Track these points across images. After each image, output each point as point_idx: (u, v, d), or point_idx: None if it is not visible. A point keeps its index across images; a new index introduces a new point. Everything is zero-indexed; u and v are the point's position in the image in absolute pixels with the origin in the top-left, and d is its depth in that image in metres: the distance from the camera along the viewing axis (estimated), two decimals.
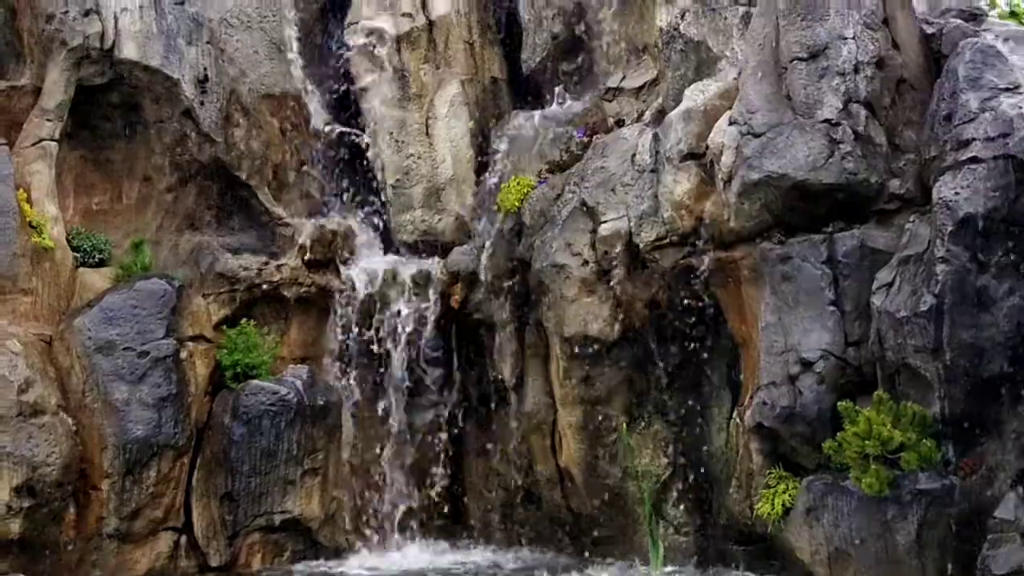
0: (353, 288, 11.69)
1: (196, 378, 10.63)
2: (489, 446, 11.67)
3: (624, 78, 11.66)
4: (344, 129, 12.37)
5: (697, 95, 10.36)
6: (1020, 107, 8.87)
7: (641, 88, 11.50)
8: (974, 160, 8.79)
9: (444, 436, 11.79)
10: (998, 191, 8.63)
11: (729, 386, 10.28)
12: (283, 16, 12.14)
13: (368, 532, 11.49)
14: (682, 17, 10.93)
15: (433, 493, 11.75)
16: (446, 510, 11.82)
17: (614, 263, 10.42)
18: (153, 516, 10.25)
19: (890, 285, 9.06)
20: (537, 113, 12.06)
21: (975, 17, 10.36)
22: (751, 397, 9.60)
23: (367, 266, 11.85)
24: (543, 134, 11.77)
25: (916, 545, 8.62)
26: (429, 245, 12.24)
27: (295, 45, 12.25)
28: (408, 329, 11.63)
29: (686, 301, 10.22)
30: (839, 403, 9.03)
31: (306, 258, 11.51)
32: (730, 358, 10.27)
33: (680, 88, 10.74)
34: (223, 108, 11.30)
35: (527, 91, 12.81)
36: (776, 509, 9.24)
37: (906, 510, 8.64)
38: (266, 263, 11.32)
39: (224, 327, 10.99)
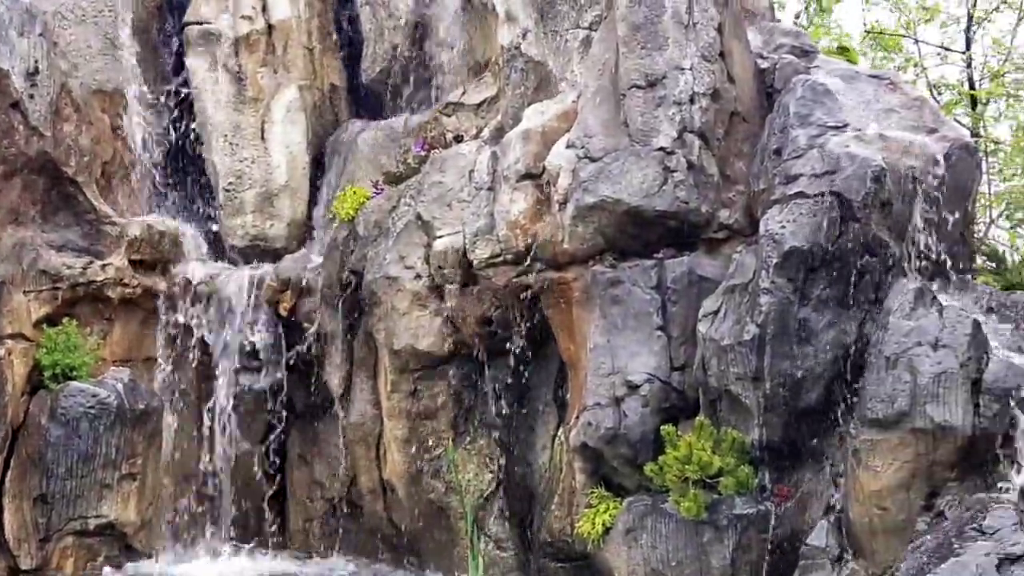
0: (180, 291, 11.49)
1: (13, 377, 10.31)
2: (314, 456, 11.57)
3: (464, 93, 11.69)
4: (177, 129, 12.17)
5: (536, 115, 10.45)
6: (847, 145, 9.14)
7: (481, 104, 11.54)
8: (801, 195, 9.03)
9: (268, 444, 11.66)
10: (822, 227, 8.88)
11: (556, 405, 10.37)
12: (118, 12, 11.85)
13: (186, 539, 11.30)
14: (524, 36, 11.02)
15: (255, 501, 11.61)
16: (267, 518, 11.68)
17: (447, 278, 10.43)
18: None
19: (716, 313, 9.25)
20: (375, 123, 12.05)
21: (807, 54, 10.65)
22: (577, 417, 9.71)
23: (196, 269, 11.64)
24: (381, 145, 11.75)
25: (730, 569, 8.81)
26: (261, 251, 12.12)
27: (130, 42, 11.98)
28: (235, 335, 11.47)
29: (517, 319, 10.28)
30: (662, 427, 9.18)
31: (132, 258, 11.25)
32: (558, 377, 10.36)
33: (520, 107, 10.83)
34: (53, 102, 10.98)
35: (366, 101, 12.79)
36: (596, 528, 9.35)
37: (722, 534, 8.83)
38: (91, 262, 11.04)
39: (45, 326, 10.69)
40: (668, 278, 9.55)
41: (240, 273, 11.66)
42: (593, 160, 9.69)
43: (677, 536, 8.98)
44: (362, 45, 12.65)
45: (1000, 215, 12.39)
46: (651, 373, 9.42)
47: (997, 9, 14.65)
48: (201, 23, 12.31)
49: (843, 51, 13.97)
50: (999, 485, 8.27)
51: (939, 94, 14.92)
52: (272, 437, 11.64)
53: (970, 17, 14.71)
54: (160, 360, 11.43)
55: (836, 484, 8.84)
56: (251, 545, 11.51)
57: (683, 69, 9.68)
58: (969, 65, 14.87)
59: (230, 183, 12.15)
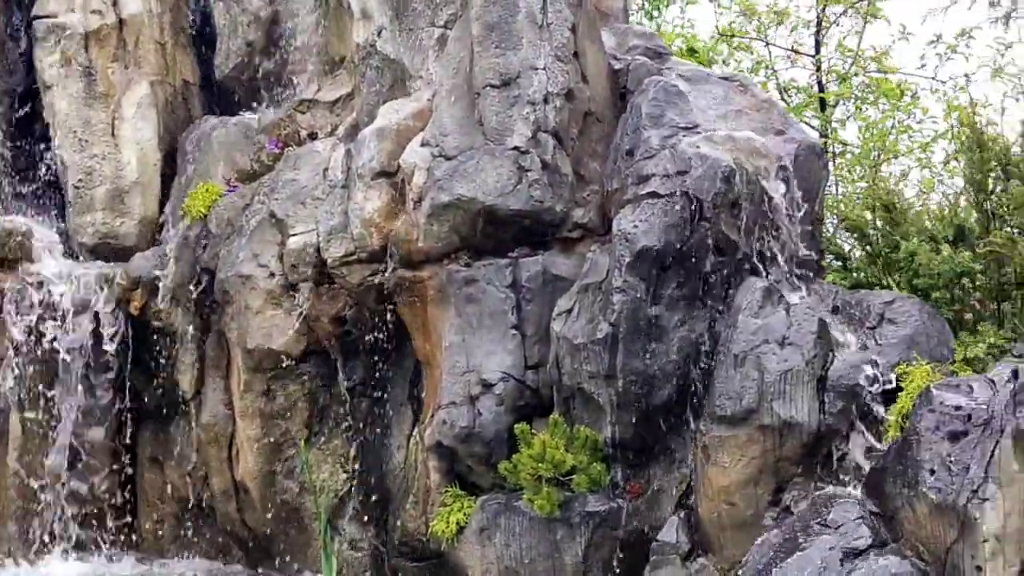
0: (28, 289, 11.22)
1: None
2: (165, 457, 11.37)
3: (319, 90, 11.60)
4: (26, 125, 11.90)
5: (391, 113, 10.40)
6: (698, 146, 9.27)
7: (336, 102, 11.46)
8: (653, 195, 9.14)
9: (118, 445, 11.45)
10: (674, 226, 9.00)
11: (412, 404, 10.34)
12: None
13: (33, 543, 11.04)
14: (379, 34, 10.95)
15: (104, 503, 11.40)
16: (117, 521, 11.47)
17: (301, 277, 10.34)
18: None
19: (569, 312, 9.32)
20: (229, 120, 11.86)
21: (660, 56, 10.77)
22: (432, 416, 9.70)
23: (44, 267, 11.36)
24: (234, 142, 11.61)
25: (583, 566, 8.89)
26: (111, 249, 11.88)
27: None
28: (84, 334, 11.23)
29: (372, 318, 10.24)
30: (516, 425, 9.22)
31: None
32: (414, 377, 10.33)
33: (375, 104, 10.77)
34: None
35: (220, 97, 12.61)
36: (450, 527, 9.35)
37: (575, 531, 8.91)
38: None
39: None
40: (523, 277, 9.58)
41: (89, 272, 11.42)
42: (448, 159, 9.68)
43: (530, 534, 9.03)
44: (216, 41, 12.50)
45: (844, 219, 12.64)
46: (506, 372, 9.45)
47: (845, 13, 14.98)
48: (50, 17, 12.05)
49: (691, 53, 14.19)
50: (844, 480, 8.47)
51: (789, 97, 15.23)
52: (122, 438, 11.42)
53: (819, 21, 15.03)
54: (7, 360, 11.15)
55: (687, 481, 8.96)
56: (101, 548, 11.29)
57: (537, 69, 9.71)
58: (818, 68, 15.20)
59: (80, 180, 11.91)
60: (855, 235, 10.34)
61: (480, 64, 9.79)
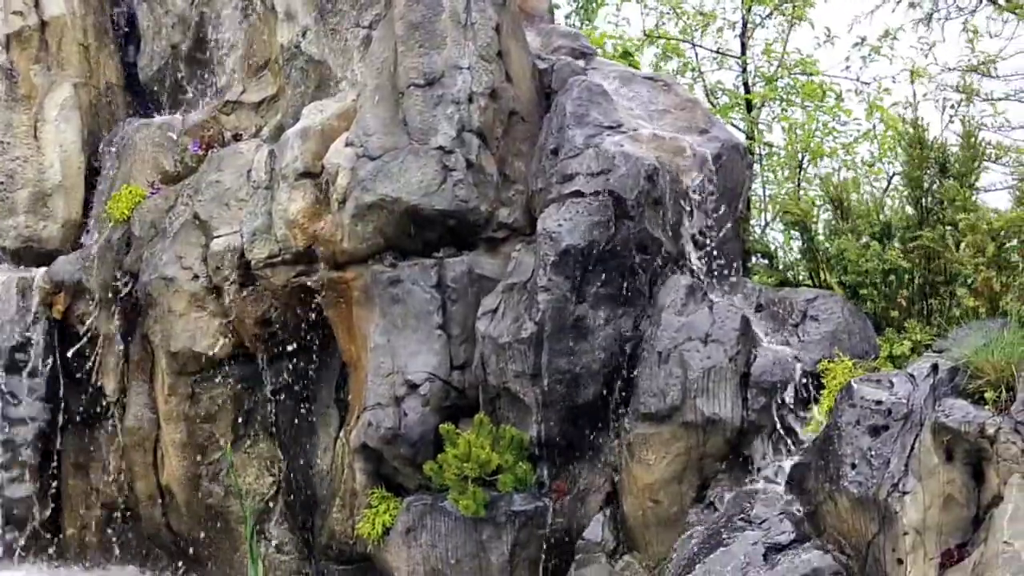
0: None
1: None
2: (89, 462, 11.26)
3: (244, 92, 11.53)
4: None
5: (315, 114, 10.34)
6: (622, 145, 9.29)
7: (261, 103, 11.40)
8: (577, 194, 9.15)
9: (42, 451, 11.30)
10: (598, 225, 9.01)
11: (338, 406, 10.29)
12: None
13: None
14: (303, 35, 10.91)
15: (27, 510, 11.24)
16: (41, 528, 11.33)
17: (226, 279, 10.26)
18: None
19: (495, 311, 9.30)
20: (152, 121, 11.77)
21: (584, 56, 10.78)
22: (357, 418, 9.65)
23: None
24: (158, 144, 11.50)
25: (508, 565, 8.87)
26: (35, 253, 11.76)
27: None
28: (5, 339, 11.09)
29: (298, 320, 10.18)
30: (441, 425, 9.19)
31: None
32: (340, 379, 10.29)
33: (300, 106, 10.71)
34: None
35: (144, 99, 12.52)
36: (376, 529, 9.31)
37: (500, 531, 8.89)
38: None
39: None
40: (448, 277, 9.55)
41: (10, 275, 11.29)
42: (372, 159, 9.64)
43: (456, 534, 9.00)
44: (140, 43, 12.40)
45: (774, 218, 12.72)
46: (431, 372, 9.41)
47: (770, 15, 15.07)
48: None
49: (626, 56, 14.22)
50: (766, 476, 8.51)
51: (716, 98, 15.29)
52: (46, 443, 11.27)
53: (744, 23, 15.11)
54: None
55: (612, 479, 8.96)
56: (24, 556, 11.15)
57: (461, 68, 9.69)
58: (744, 70, 15.28)
59: (1, 183, 11.78)
60: (796, 229, 10.37)
61: (404, 64, 9.76)
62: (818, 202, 11.18)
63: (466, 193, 9.54)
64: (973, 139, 9.71)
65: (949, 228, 9.44)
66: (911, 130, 9.91)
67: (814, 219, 10.43)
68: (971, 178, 9.63)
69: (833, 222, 10.33)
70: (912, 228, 9.74)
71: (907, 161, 9.91)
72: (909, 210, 9.96)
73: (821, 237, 10.33)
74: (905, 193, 10.08)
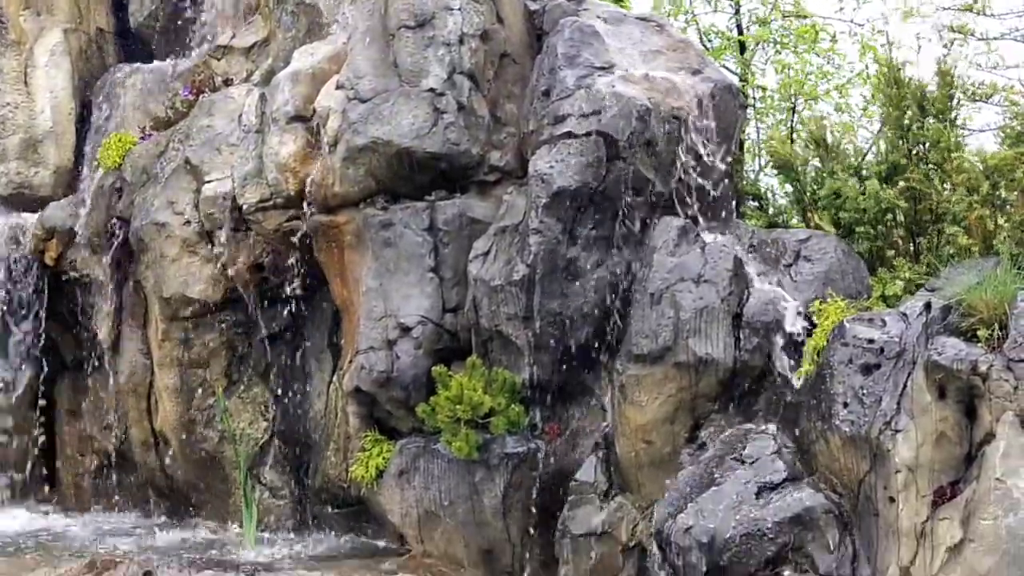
0: None
1: None
2: (84, 409, 11.27)
3: (234, 36, 11.42)
4: None
5: (306, 57, 10.27)
6: (613, 86, 9.22)
7: (251, 48, 11.30)
8: (569, 135, 9.09)
9: (36, 398, 11.31)
10: (590, 166, 8.96)
11: (330, 350, 10.28)
12: None
13: None
14: None
15: (22, 457, 11.27)
16: (37, 475, 11.37)
17: (217, 224, 10.21)
18: None
19: (487, 254, 9.27)
20: (143, 67, 11.71)
21: None
22: (350, 361, 9.64)
23: None
24: (149, 90, 11.44)
25: (502, 507, 8.90)
26: (25, 199, 11.71)
27: None
28: None
29: (290, 264, 10.14)
30: (434, 368, 9.18)
31: None
32: (333, 323, 10.27)
33: (290, 50, 10.63)
34: None
35: (135, 45, 12.45)
36: (370, 472, 9.33)
37: (493, 473, 8.90)
38: None
39: None
40: (440, 220, 9.52)
41: (3, 222, 11.25)
42: (363, 101, 9.58)
43: (449, 476, 9.02)
44: None
45: (767, 163, 12.67)
46: (424, 315, 9.40)
47: None
48: None
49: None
50: (760, 415, 8.51)
51: (709, 41, 15.21)
52: (39, 390, 11.28)
53: None
54: None
55: (604, 420, 8.96)
56: (20, 502, 11.19)
57: (452, 9, 9.62)
58: (737, 11, 15.19)
59: None
60: (783, 170, 10.32)
61: (395, 5, 9.69)
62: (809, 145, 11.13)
63: (457, 136, 9.49)
64: (949, 77, 9.65)
65: (932, 167, 9.42)
66: (886, 70, 9.86)
67: (803, 162, 10.37)
68: (949, 115, 9.58)
69: (818, 163, 10.28)
70: (900, 169, 9.71)
71: (884, 102, 9.86)
72: (883, 146, 9.92)
73: (810, 179, 10.26)
74: (889, 134, 10.03)
